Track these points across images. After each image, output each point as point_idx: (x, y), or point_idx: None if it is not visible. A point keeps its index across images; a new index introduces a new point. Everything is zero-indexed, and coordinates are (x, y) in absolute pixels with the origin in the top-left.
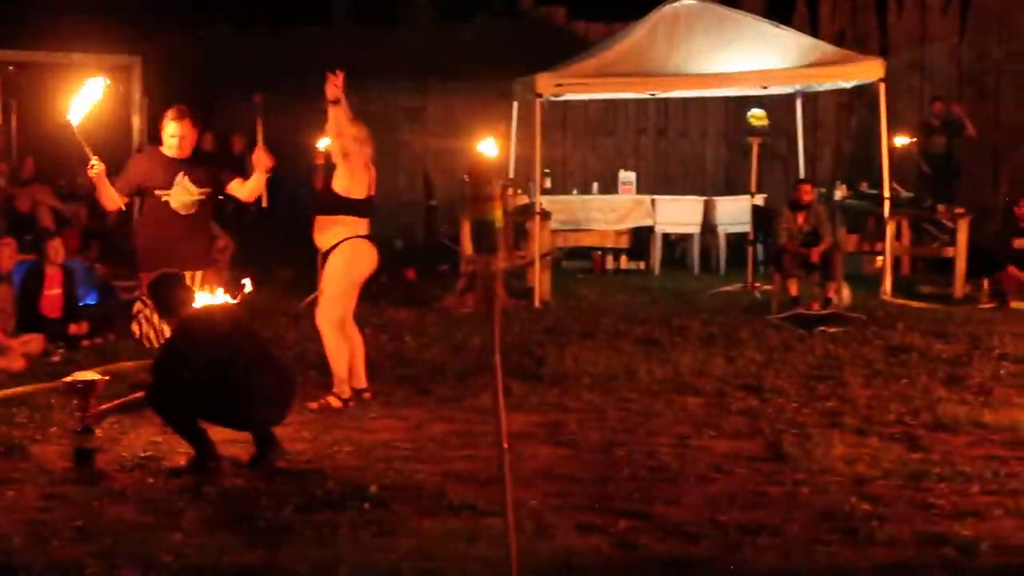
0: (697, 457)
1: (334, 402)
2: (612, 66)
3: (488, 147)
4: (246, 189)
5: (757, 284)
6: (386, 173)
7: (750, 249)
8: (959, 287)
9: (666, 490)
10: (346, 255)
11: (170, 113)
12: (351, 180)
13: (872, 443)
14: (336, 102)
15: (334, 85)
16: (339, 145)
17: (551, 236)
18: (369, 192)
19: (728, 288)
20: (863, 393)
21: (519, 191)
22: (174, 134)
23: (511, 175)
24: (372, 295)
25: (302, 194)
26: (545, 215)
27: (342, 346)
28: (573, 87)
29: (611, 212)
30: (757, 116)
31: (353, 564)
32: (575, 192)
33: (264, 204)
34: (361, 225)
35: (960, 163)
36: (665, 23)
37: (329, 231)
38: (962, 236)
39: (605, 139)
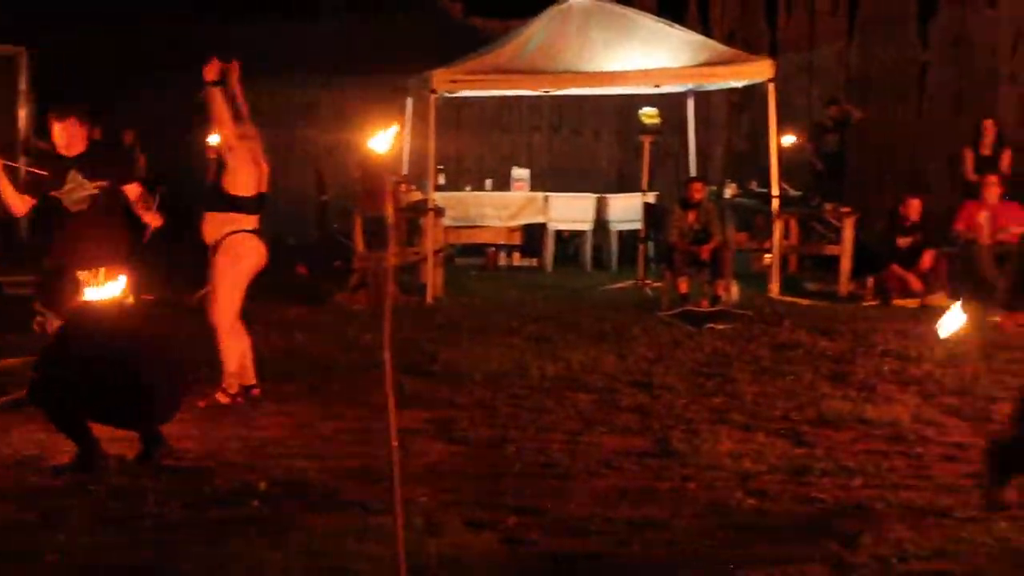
0: (587, 453)
1: (222, 398)
2: (507, 63)
3: (380, 141)
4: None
5: (648, 281)
6: (278, 168)
7: (641, 247)
8: (844, 285)
9: (556, 486)
10: (231, 249)
11: (52, 114)
12: (238, 176)
13: (758, 439)
14: (216, 83)
15: (211, 67)
16: (222, 138)
17: (444, 232)
18: (259, 189)
19: (620, 285)
20: (750, 389)
21: (412, 187)
22: (59, 134)
23: (405, 171)
24: (263, 292)
25: (194, 190)
26: (438, 211)
27: (234, 342)
28: (468, 84)
29: (504, 209)
30: (649, 114)
31: (241, 562)
32: (469, 188)
33: (144, 240)
34: (249, 221)
35: (848, 161)
36: (560, 21)
37: (216, 226)
38: (848, 235)
39: (499, 136)
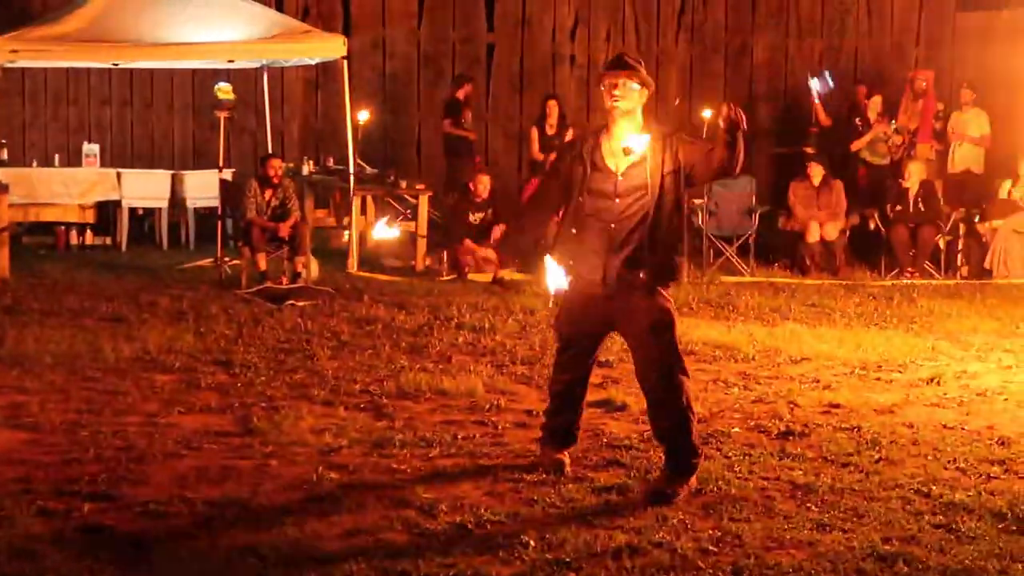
0: (166, 434)
1: None
2: (73, 33)
3: None
4: None
5: (227, 259)
6: None
7: (219, 224)
8: (420, 260)
9: (134, 470)
10: None
11: None
12: None
13: (339, 413)
14: None
15: None
16: None
17: (9, 210)
18: None
19: (198, 263)
20: (330, 365)
21: None
22: None
23: None
24: None
25: None
26: (2, 188)
27: None
28: (30, 54)
29: (75, 186)
30: (224, 90)
31: None
32: (35, 164)
33: None
34: None
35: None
36: None
37: None
38: (423, 211)
39: (67, 109)
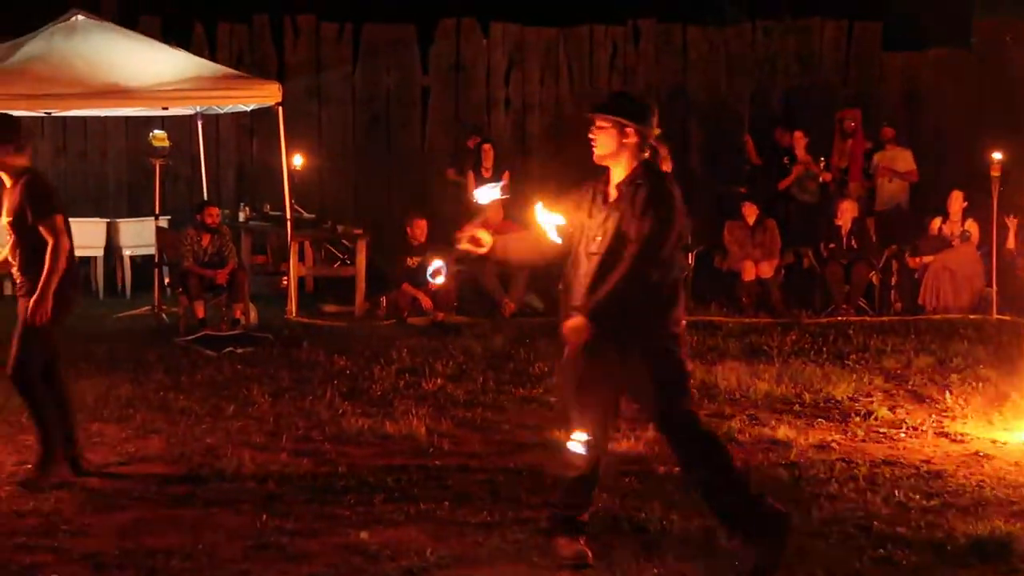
0: (105, 484)
1: None
2: (5, 81)
3: None
4: None
5: (164, 307)
6: None
7: (156, 272)
8: (360, 305)
9: (74, 521)
10: None
11: None
12: None
13: (281, 459)
14: None
15: None
16: None
17: None
18: None
19: (135, 312)
20: (271, 411)
21: None
22: None
23: None
24: None
25: None
26: None
27: None
28: None
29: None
30: (158, 137)
31: None
32: None
33: None
34: None
35: None
36: (63, 39)
37: None
38: (361, 256)
39: None
